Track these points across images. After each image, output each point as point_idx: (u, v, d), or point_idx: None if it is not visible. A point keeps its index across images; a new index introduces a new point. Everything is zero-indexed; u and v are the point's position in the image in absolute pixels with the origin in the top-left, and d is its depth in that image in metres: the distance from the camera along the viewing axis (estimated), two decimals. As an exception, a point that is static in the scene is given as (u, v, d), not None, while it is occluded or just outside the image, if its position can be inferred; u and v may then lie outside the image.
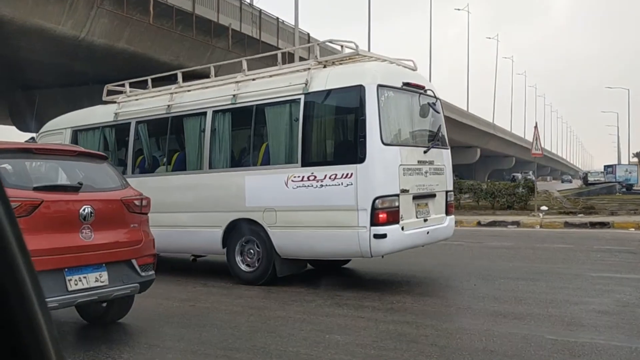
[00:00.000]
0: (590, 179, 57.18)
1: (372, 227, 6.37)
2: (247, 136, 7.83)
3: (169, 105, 8.36)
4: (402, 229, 6.62)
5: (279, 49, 30.46)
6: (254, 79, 7.79)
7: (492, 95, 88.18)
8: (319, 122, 7.02)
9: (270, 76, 7.71)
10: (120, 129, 8.96)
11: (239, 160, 7.87)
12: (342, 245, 6.68)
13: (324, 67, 7.28)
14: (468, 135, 61.04)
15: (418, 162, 7.04)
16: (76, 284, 4.46)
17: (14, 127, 31.29)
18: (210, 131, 7.77)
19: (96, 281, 4.63)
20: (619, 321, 5.27)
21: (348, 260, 8.40)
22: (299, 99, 7.00)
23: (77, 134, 9.29)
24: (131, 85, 9.31)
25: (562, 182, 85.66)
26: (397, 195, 6.58)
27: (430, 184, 7.24)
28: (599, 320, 5.27)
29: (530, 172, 75.29)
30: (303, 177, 6.80)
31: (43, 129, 10.20)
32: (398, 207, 6.57)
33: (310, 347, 4.60)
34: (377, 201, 6.38)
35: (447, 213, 7.64)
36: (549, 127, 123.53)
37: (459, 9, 65.17)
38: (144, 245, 5.14)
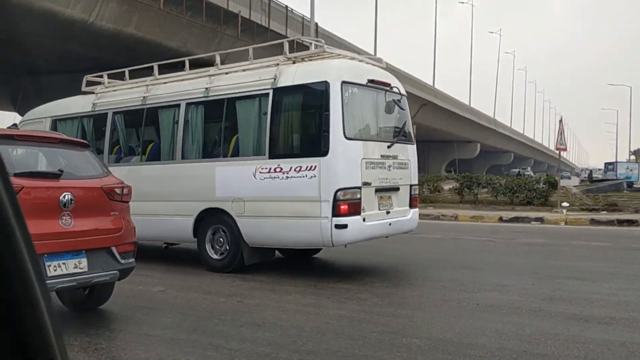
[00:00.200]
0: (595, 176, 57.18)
1: (334, 218, 6.63)
2: (219, 128, 8.07)
3: (144, 97, 8.59)
4: (364, 220, 6.89)
5: (288, 37, 29.96)
6: (227, 73, 8.00)
7: (490, 89, 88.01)
8: (286, 116, 7.26)
9: (243, 70, 7.92)
10: (98, 119, 9.17)
11: (210, 152, 8.10)
12: (305, 235, 6.93)
13: (293, 63, 7.51)
14: (469, 130, 60.77)
15: (381, 156, 7.29)
16: (55, 270, 4.49)
17: (16, 114, 30.67)
18: (183, 123, 8.00)
19: (75, 267, 4.67)
20: None
21: (318, 250, 8.62)
22: (268, 93, 7.24)
23: (56, 123, 9.48)
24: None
25: (562, 178, 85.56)
26: (359, 187, 6.85)
27: (394, 178, 7.48)
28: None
29: (528, 168, 75.25)
30: (270, 168, 7.06)
31: (24, 118, 10.42)
32: (359, 199, 6.84)
33: (392, 353, 4.17)
34: (338, 193, 6.65)
35: (411, 206, 7.90)
36: (547, 124, 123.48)
37: (462, 2, 64.80)
38: (124, 233, 5.19)
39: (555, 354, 4.17)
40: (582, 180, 60.27)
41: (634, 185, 43.30)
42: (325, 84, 6.83)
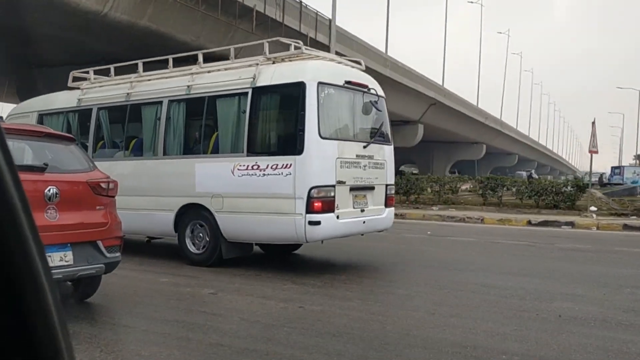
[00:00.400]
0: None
1: (308, 215, 6.81)
2: (199, 125, 8.22)
3: (128, 93, 8.74)
4: (338, 217, 7.07)
5: (302, 33, 29.48)
6: (209, 72, 8.15)
7: (494, 89, 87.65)
8: (264, 115, 7.43)
9: (225, 69, 8.06)
10: (83, 114, 9.31)
11: (191, 148, 8.25)
12: (280, 231, 7.09)
13: (273, 63, 7.66)
14: (475, 131, 60.26)
15: (357, 156, 7.46)
16: None
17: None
18: (165, 119, 8.18)
19: (60, 260, 4.71)
20: None
21: (298, 246, 8.79)
22: (247, 92, 7.40)
23: (42, 117, 9.61)
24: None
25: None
26: (333, 186, 7.03)
27: (369, 177, 7.65)
28: None
29: (532, 171, 74.94)
30: (248, 166, 7.23)
31: (11, 112, 10.53)
32: (333, 197, 7.01)
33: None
34: (312, 191, 6.83)
35: (387, 205, 8.05)
36: (551, 126, 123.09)
37: (472, 2, 64.36)
38: (110, 227, 5.25)
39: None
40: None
41: None
42: (302, 84, 7.00)
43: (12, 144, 5.08)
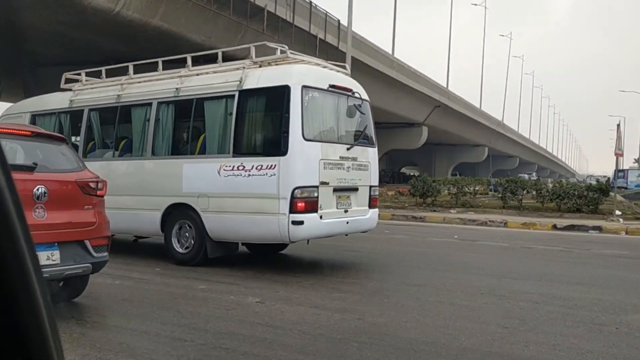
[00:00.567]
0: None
1: (291, 215, 6.94)
2: (187, 127, 8.39)
3: (118, 95, 8.90)
4: (321, 217, 7.21)
5: (312, 34, 29.08)
6: (197, 74, 8.32)
7: (495, 92, 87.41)
8: (249, 117, 7.59)
9: (214, 72, 8.21)
10: (74, 115, 9.48)
11: (179, 149, 8.41)
12: (264, 230, 7.21)
13: (259, 66, 7.85)
14: (478, 134, 60.09)
15: (340, 157, 7.61)
16: None
17: None
18: (154, 121, 8.32)
19: (48, 259, 4.71)
20: None
21: (285, 246, 8.90)
22: (234, 95, 7.56)
23: (35, 118, 9.73)
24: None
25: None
26: (316, 186, 7.17)
27: (352, 179, 7.80)
28: None
29: (534, 174, 74.73)
30: (233, 166, 7.37)
31: (4, 112, 10.66)
32: (317, 197, 7.16)
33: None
34: (296, 191, 6.97)
35: (371, 206, 8.20)
36: (551, 129, 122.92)
37: (476, 4, 64.17)
38: (97, 227, 5.25)
39: None
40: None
41: None
42: (287, 87, 7.15)
43: (3, 143, 4.82)
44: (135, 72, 9.18)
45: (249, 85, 7.51)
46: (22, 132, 5.35)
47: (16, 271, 0.61)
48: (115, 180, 7.91)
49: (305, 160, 7.13)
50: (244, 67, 7.78)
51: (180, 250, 7.95)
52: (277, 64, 7.91)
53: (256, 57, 7.97)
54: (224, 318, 5.17)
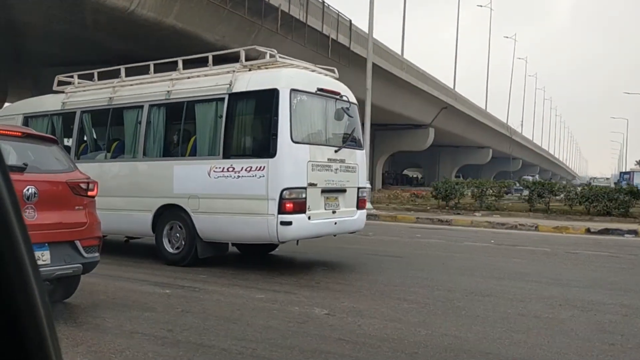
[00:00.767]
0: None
1: (280, 215, 7.08)
2: (178, 129, 8.51)
3: (110, 98, 9.01)
4: (309, 218, 7.35)
5: (324, 34, 28.68)
6: (188, 77, 8.44)
7: (498, 94, 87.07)
8: (239, 120, 7.74)
9: (205, 75, 8.32)
10: (67, 117, 9.58)
11: (170, 151, 8.52)
12: (254, 230, 7.34)
13: (249, 70, 7.99)
14: (483, 135, 59.75)
15: (328, 159, 7.75)
16: None
17: None
18: (145, 123, 8.43)
19: (38, 260, 4.57)
20: None
21: (274, 247, 9.04)
22: (224, 98, 7.70)
23: (27, 120, 9.79)
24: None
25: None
26: (304, 188, 7.31)
27: (340, 180, 7.94)
28: None
29: (536, 176, 74.44)
30: (223, 168, 7.50)
31: None
32: (305, 198, 7.29)
33: None
34: (284, 192, 7.10)
35: (359, 207, 8.35)
36: (553, 131, 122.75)
37: (481, 6, 63.96)
38: (88, 228, 5.26)
39: None
40: None
41: None
42: (275, 91, 7.29)
43: None
44: (142, 73, 9.22)
45: (238, 88, 7.64)
46: (13, 132, 5.34)
47: (14, 272, 0.61)
48: (107, 182, 8.04)
49: (293, 162, 7.27)
50: (234, 71, 7.90)
51: (171, 250, 8.05)
52: (266, 68, 8.05)
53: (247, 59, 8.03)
54: (301, 333, 4.77)
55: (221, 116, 7.65)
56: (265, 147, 7.29)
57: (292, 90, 7.36)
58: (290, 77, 7.65)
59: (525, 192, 24.00)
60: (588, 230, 14.18)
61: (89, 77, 9.85)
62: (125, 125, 8.82)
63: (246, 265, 8.36)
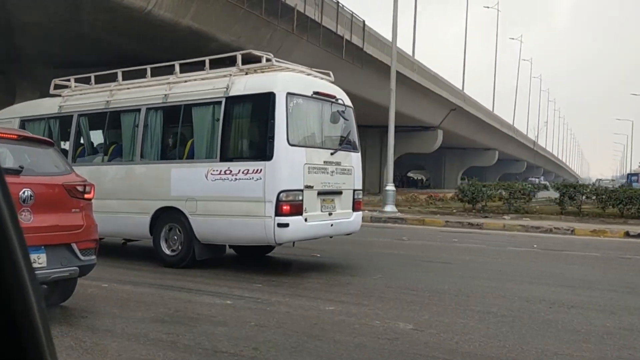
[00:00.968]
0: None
1: (277, 217, 7.16)
2: (176, 132, 8.56)
3: (108, 101, 9.05)
4: (306, 220, 7.44)
5: (339, 35, 28.24)
6: (185, 81, 8.49)
7: (502, 95, 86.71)
8: (236, 123, 7.81)
9: (202, 79, 8.39)
10: (64, 121, 9.59)
11: (167, 154, 8.56)
12: (251, 232, 7.43)
13: (246, 74, 8.06)
14: (489, 137, 59.42)
15: (324, 162, 7.84)
16: None
17: None
18: (143, 126, 8.48)
19: (34, 262, 4.60)
20: None
21: (271, 249, 9.06)
22: (221, 101, 7.77)
23: (24, 123, 9.80)
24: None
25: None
26: (301, 190, 7.39)
27: (336, 182, 8.03)
28: None
29: (542, 178, 74.10)
30: (221, 170, 7.57)
31: None
32: (301, 200, 7.38)
33: None
34: (281, 194, 7.19)
35: (355, 209, 8.42)
36: (556, 133, 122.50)
37: (488, 7, 63.67)
38: (85, 230, 5.25)
39: None
40: None
41: None
42: (272, 94, 7.36)
43: None
44: (140, 77, 9.26)
45: (235, 92, 7.71)
46: (9, 135, 5.33)
47: (10, 275, 0.60)
48: (104, 185, 8.22)
49: (290, 164, 7.35)
50: (230, 74, 7.98)
51: (168, 252, 8.11)
52: (262, 72, 8.13)
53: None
54: (398, 352, 4.35)
55: (218, 119, 7.73)
56: (262, 150, 7.39)
57: (289, 93, 7.45)
58: (286, 80, 7.74)
59: (540, 194, 23.58)
60: (627, 234, 13.77)
61: (86, 81, 9.90)
62: (123, 128, 8.87)
63: (302, 273, 8.07)
